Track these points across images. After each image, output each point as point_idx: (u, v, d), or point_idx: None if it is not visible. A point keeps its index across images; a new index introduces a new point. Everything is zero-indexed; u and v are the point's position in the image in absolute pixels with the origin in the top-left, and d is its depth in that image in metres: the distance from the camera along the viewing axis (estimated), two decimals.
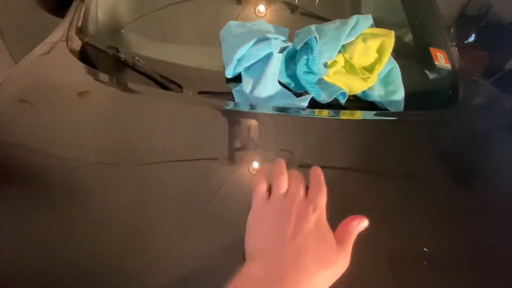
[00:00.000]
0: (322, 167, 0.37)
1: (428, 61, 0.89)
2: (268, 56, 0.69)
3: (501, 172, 0.63)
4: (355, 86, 0.73)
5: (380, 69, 0.76)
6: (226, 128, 0.62)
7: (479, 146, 0.69)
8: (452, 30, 1.03)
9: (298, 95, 0.71)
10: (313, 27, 0.75)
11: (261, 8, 0.90)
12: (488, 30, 1.39)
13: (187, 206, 0.48)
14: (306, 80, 0.70)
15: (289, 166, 0.37)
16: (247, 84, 0.69)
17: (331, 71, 0.74)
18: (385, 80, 0.78)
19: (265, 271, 0.30)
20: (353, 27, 0.76)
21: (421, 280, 0.44)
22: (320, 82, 0.72)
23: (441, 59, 0.89)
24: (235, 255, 0.35)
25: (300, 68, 0.71)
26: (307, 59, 0.70)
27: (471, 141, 0.70)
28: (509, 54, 1.74)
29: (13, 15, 1.57)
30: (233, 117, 0.65)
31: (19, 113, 0.64)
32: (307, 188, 0.36)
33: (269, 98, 0.69)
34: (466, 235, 0.50)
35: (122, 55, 0.72)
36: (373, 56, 0.76)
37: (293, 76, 0.73)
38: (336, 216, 0.34)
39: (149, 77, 0.71)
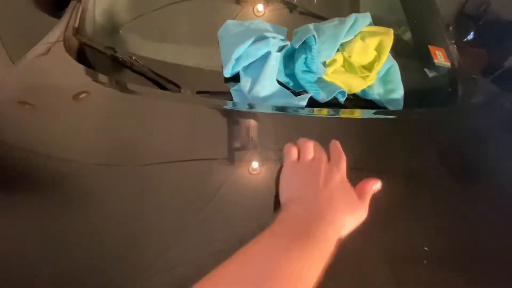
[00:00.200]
0: None
1: (427, 59, 0.88)
2: (267, 55, 0.69)
3: (501, 170, 0.63)
4: (354, 84, 0.73)
5: (379, 68, 0.75)
6: (225, 128, 0.61)
7: (479, 144, 0.68)
8: (451, 28, 1.03)
9: (297, 94, 0.70)
10: (311, 25, 0.74)
11: (260, 7, 0.89)
12: (487, 28, 1.39)
13: (186, 206, 0.48)
14: (304, 79, 0.70)
15: None
16: (245, 83, 0.68)
17: (330, 69, 0.74)
18: (384, 79, 0.78)
19: (305, 211, 0.36)
20: (352, 26, 0.76)
21: (421, 280, 0.43)
22: (319, 81, 0.71)
23: (440, 57, 0.89)
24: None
25: (299, 67, 0.70)
26: (306, 58, 0.70)
27: (470, 139, 0.69)
28: (508, 51, 1.74)
29: (10, 15, 1.57)
30: (232, 117, 0.65)
31: (17, 114, 0.64)
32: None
33: (268, 97, 0.68)
34: (466, 233, 0.50)
35: (120, 55, 0.72)
36: (372, 54, 0.76)
37: (291, 75, 0.73)
38: None
39: (147, 77, 0.70)
